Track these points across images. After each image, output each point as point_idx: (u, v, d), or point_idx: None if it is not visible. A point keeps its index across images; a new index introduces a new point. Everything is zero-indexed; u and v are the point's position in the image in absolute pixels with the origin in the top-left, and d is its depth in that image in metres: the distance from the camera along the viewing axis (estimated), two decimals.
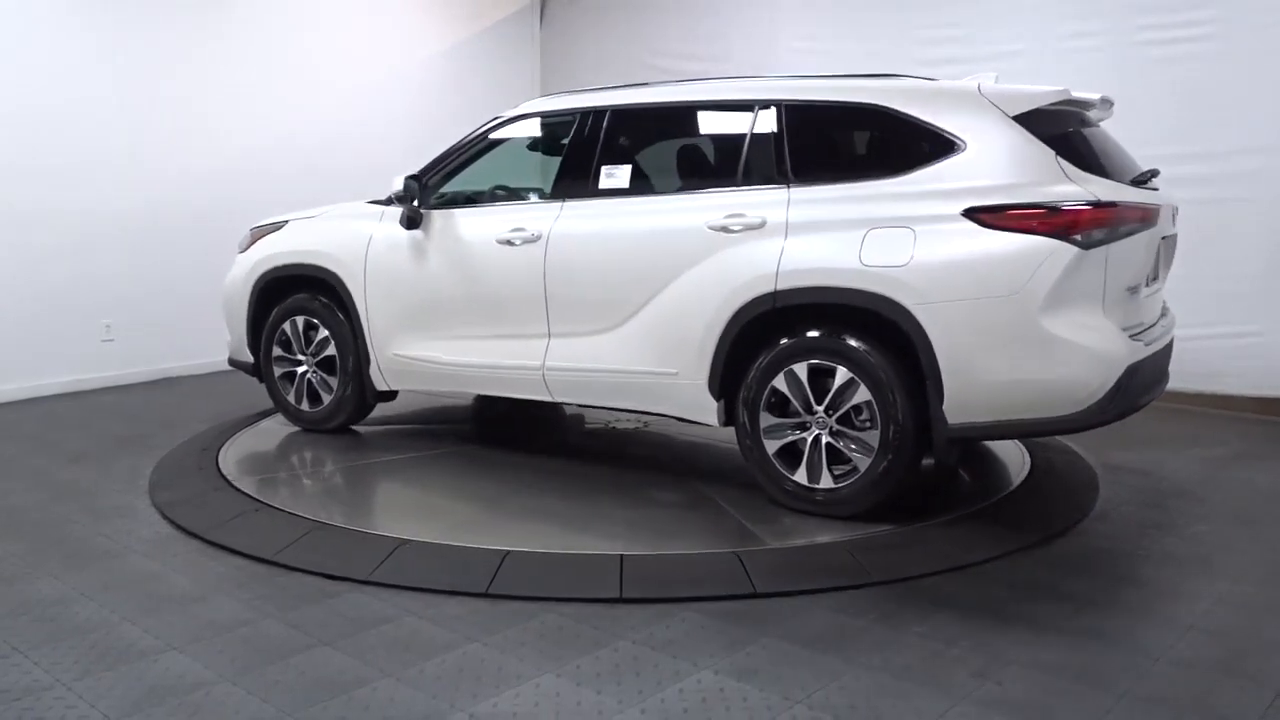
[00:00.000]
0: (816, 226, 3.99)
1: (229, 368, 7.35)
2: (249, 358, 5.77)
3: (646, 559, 3.69)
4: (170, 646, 3.05)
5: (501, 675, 2.86)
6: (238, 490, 4.50)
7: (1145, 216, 3.86)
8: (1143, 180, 4.14)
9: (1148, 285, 4.04)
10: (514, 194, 5.20)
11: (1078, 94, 4.06)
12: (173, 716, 2.65)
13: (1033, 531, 4.04)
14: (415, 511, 4.49)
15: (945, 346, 3.73)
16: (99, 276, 6.98)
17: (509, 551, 3.69)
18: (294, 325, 5.52)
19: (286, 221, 5.66)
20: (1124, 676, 2.84)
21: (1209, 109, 6.07)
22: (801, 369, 4.03)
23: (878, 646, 3.03)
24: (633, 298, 4.39)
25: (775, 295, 4.02)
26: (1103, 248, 3.64)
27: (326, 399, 5.48)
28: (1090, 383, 3.64)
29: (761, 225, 4.08)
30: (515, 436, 5.67)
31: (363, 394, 5.38)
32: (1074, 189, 3.66)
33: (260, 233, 5.75)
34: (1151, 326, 4.11)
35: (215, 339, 7.55)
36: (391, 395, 5.46)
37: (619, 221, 4.50)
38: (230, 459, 5.05)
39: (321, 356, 5.45)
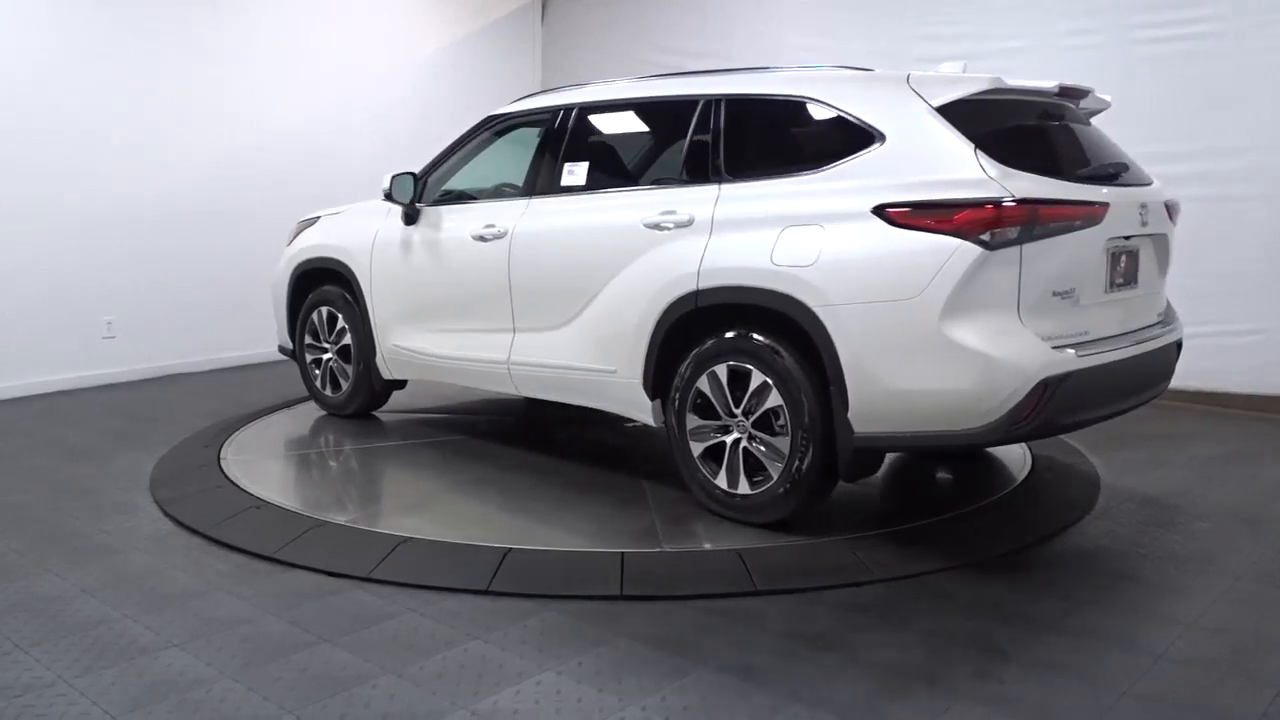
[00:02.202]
0: (738, 224, 3.90)
1: (228, 365, 7.46)
2: (290, 345, 6.12)
3: (647, 556, 3.69)
4: (171, 643, 3.05)
5: (502, 673, 2.86)
6: (239, 487, 4.50)
7: (1080, 215, 3.56)
8: (1104, 177, 3.83)
9: (1111, 290, 3.78)
10: (519, 191, 5.23)
11: (1017, 82, 3.80)
12: (174, 713, 2.65)
13: (1034, 529, 4.05)
14: (418, 508, 4.48)
15: (848, 351, 3.56)
16: (100, 273, 6.98)
17: (510, 549, 3.70)
18: (319, 315, 5.84)
19: (319, 217, 5.96)
20: (1124, 675, 2.84)
21: (1210, 106, 6.07)
22: (722, 371, 3.93)
23: (879, 644, 3.03)
24: (581, 294, 4.40)
25: (697, 295, 3.95)
26: (1014, 248, 3.38)
27: (344, 386, 5.78)
28: (994, 395, 3.37)
29: (690, 223, 4.03)
30: (531, 433, 5.67)
31: (371, 382, 5.66)
32: (991, 186, 3.40)
33: (302, 226, 6.04)
34: (1119, 335, 3.82)
35: (217, 336, 7.61)
36: (400, 384, 5.75)
37: (572, 218, 4.54)
38: (232, 456, 5.05)
39: (340, 345, 5.75)
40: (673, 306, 4.03)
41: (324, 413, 6.00)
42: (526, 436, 5.55)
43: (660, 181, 4.33)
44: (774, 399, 3.79)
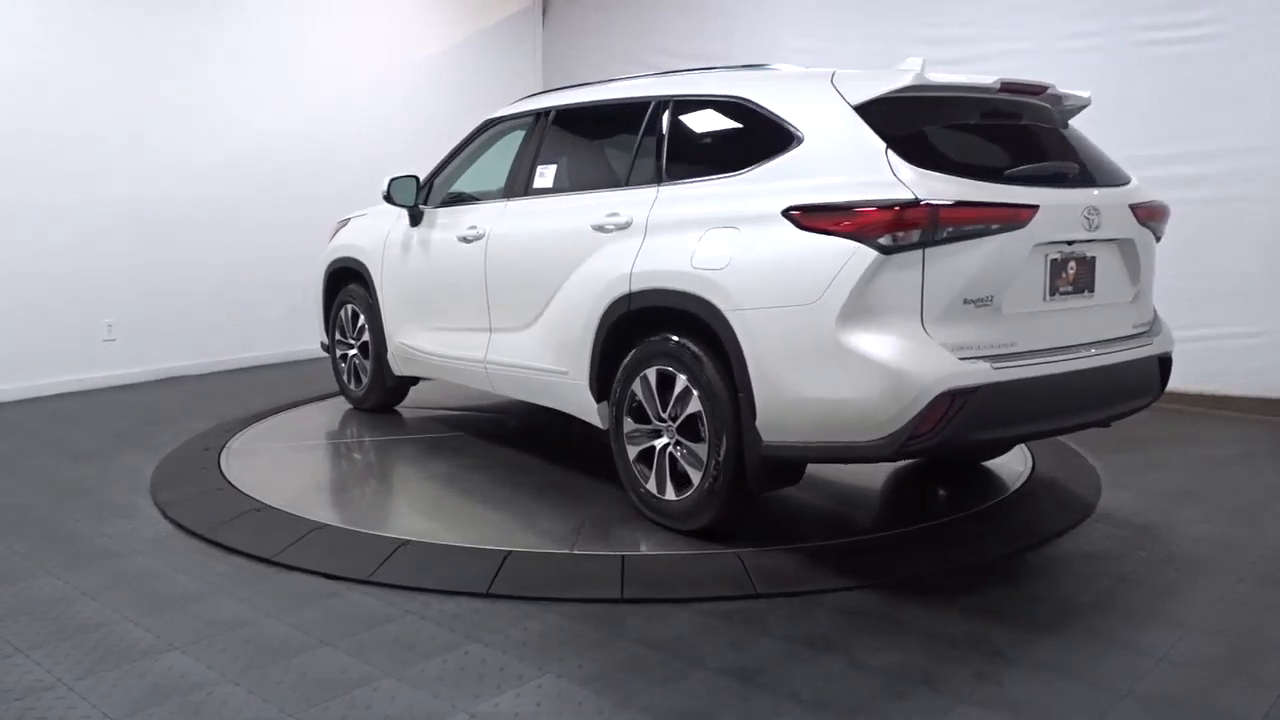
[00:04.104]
0: (669, 226, 3.87)
1: (229, 368, 7.51)
2: (327, 340, 6.38)
3: (647, 559, 3.69)
4: (172, 646, 3.05)
5: (503, 675, 2.86)
6: (239, 490, 4.50)
7: (997, 218, 3.33)
8: (1040, 178, 3.55)
9: (1053, 299, 3.57)
10: (500, 194, 5.31)
11: (949, 78, 3.61)
12: (174, 716, 2.65)
13: (1034, 532, 4.04)
14: (418, 511, 4.51)
15: (755, 357, 3.47)
16: (100, 275, 6.98)
17: (510, 552, 3.70)
18: (346, 313, 6.08)
19: (351, 218, 6.15)
20: (1125, 676, 2.84)
21: (1211, 108, 6.07)
22: (652, 375, 3.89)
23: (879, 647, 3.02)
24: (542, 295, 4.43)
25: (630, 297, 3.92)
26: (915, 252, 3.22)
27: (365, 381, 6.00)
28: (890, 406, 3.21)
29: (628, 225, 4.03)
30: (540, 433, 5.66)
31: (384, 379, 5.83)
32: (896, 187, 3.25)
33: (338, 226, 6.20)
34: (1063, 347, 3.57)
35: (217, 338, 7.62)
36: (413, 381, 5.89)
37: (535, 221, 4.59)
38: (232, 458, 5.06)
39: (361, 341, 5.98)
40: (610, 308, 4.02)
41: (327, 412, 6.19)
42: (532, 437, 5.54)
43: (610, 184, 4.34)
44: (695, 404, 3.73)
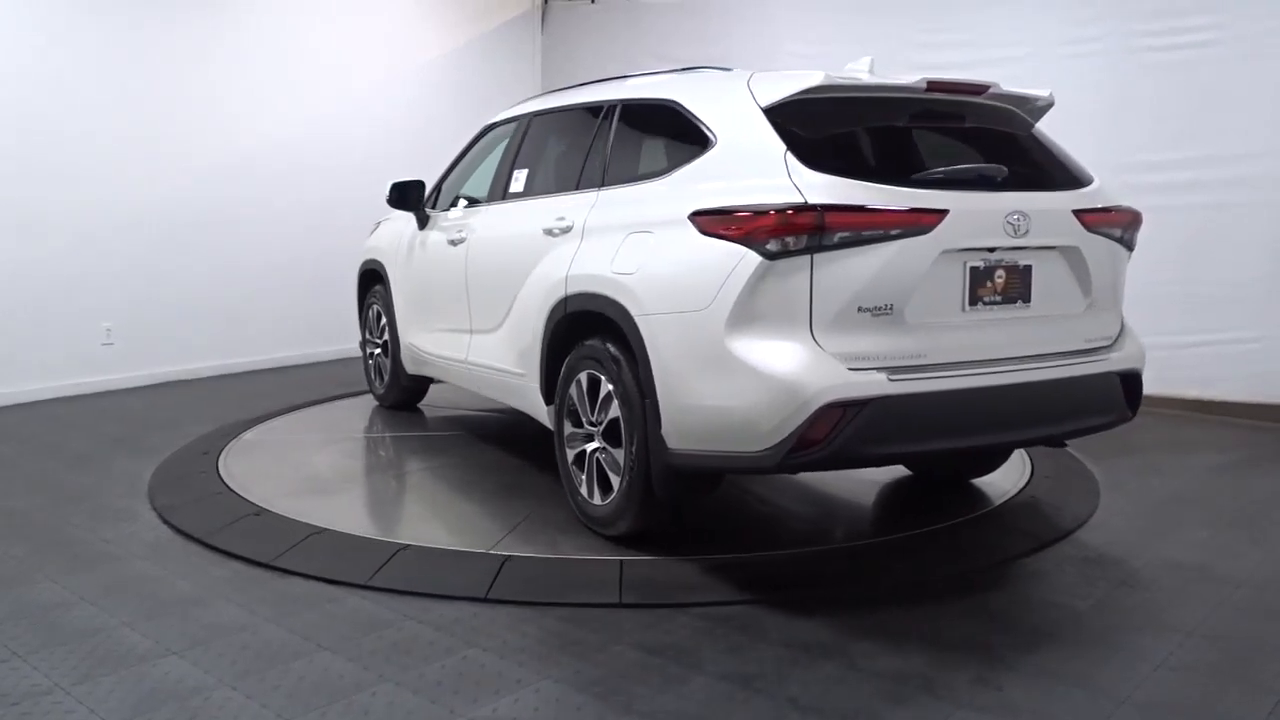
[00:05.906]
0: (600, 230, 3.88)
1: (227, 372, 7.51)
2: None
3: (645, 563, 3.69)
4: (169, 651, 3.04)
5: (501, 680, 2.86)
6: (237, 494, 4.50)
7: (895, 223, 3.18)
8: (956, 182, 3.38)
9: (973, 309, 3.37)
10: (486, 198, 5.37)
11: (870, 79, 3.52)
12: None
13: (1033, 537, 4.04)
14: (418, 513, 4.51)
15: (659, 362, 3.43)
16: (98, 279, 6.97)
17: (509, 556, 3.70)
18: (371, 313, 6.32)
19: (380, 222, 6.30)
20: (1124, 682, 2.84)
21: (1209, 114, 6.08)
22: (584, 378, 3.88)
23: (878, 652, 3.02)
24: (507, 298, 4.48)
25: (567, 300, 3.94)
26: (803, 258, 3.12)
27: (385, 379, 6.24)
28: (771, 416, 3.12)
29: (570, 229, 4.05)
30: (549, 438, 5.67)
31: (399, 378, 6.01)
32: (787, 191, 3.16)
33: (374, 228, 6.40)
34: (985, 360, 3.37)
35: (216, 342, 7.61)
36: (429, 380, 5.95)
37: (504, 225, 4.68)
38: (231, 462, 5.05)
39: (383, 341, 6.18)
40: (553, 312, 4.05)
41: (332, 413, 6.34)
42: (540, 440, 5.54)
43: (565, 188, 4.35)
44: (615, 409, 3.70)
